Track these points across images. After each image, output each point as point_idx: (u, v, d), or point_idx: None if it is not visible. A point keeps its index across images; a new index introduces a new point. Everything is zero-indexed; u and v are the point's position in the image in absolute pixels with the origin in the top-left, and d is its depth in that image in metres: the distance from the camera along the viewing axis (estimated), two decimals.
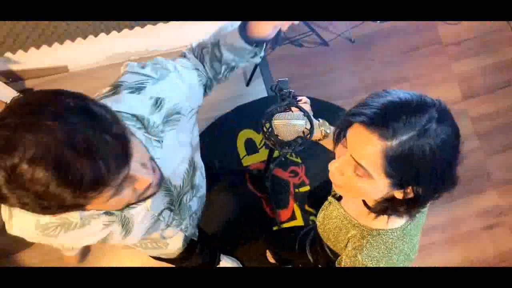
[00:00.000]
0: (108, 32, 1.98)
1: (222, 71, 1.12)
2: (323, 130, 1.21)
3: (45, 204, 0.65)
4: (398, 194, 0.86)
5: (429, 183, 0.82)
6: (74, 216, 0.88)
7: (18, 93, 2.40)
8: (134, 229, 1.03)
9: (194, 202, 1.25)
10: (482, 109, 2.66)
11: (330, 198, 1.22)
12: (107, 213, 0.92)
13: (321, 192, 1.66)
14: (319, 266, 1.41)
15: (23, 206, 0.65)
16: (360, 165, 0.84)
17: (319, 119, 1.23)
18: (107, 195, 0.69)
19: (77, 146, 0.62)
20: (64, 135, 0.61)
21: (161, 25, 2.08)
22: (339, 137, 0.92)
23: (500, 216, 2.49)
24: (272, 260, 2.26)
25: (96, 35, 1.97)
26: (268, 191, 2.30)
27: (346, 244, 1.09)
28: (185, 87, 1.02)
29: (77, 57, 2.36)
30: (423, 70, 2.69)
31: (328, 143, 1.24)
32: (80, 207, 0.70)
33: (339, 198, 1.19)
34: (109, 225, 0.96)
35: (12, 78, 2.36)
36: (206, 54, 1.11)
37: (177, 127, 0.99)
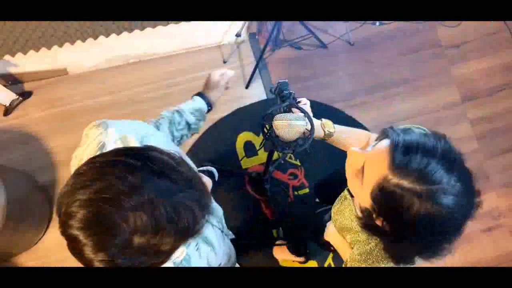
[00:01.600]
0: (107, 35, 1.99)
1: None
2: (325, 129, 1.20)
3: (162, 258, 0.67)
4: (377, 221, 0.84)
5: (398, 235, 0.80)
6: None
7: (18, 96, 2.40)
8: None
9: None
10: (481, 111, 2.67)
11: (346, 192, 1.19)
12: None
13: (330, 185, 1.65)
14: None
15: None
16: (362, 170, 0.84)
17: (322, 118, 1.23)
18: None
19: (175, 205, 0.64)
20: (147, 194, 0.62)
21: (160, 28, 2.08)
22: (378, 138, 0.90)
23: (499, 218, 2.49)
24: (278, 256, 2.25)
25: (95, 38, 1.98)
26: (267, 193, 2.30)
27: (353, 246, 1.08)
28: (126, 120, 1.05)
29: (77, 59, 2.36)
30: (422, 73, 2.70)
31: (334, 142, 1.24)
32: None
33: (352, 195, 1.16)
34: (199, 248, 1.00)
35: (11, 81, 2.36)
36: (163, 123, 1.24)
37: (153, 140, 1.00)
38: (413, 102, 2.64)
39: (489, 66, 2.74)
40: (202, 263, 1.01)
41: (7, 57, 1.97)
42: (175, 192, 0.64)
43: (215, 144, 2.44)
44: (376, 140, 0.89)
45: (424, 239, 0.77)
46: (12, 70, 2.29)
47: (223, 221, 1.34)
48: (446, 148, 0.77)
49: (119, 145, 0.91)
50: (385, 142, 0.81)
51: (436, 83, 2.69)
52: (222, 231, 1.27)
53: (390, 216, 0.79)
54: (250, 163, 2.44)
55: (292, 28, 2.63)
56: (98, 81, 2.48)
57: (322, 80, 2.64)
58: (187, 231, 0.66)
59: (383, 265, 0.94)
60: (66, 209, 0.61)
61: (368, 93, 2.63)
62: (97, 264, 0.61)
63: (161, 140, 1.06)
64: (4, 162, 2.24)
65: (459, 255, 2.37)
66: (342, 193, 1.23)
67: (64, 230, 0.61)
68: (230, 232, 1.42)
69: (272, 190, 2.32)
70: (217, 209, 1.31)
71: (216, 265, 1.13)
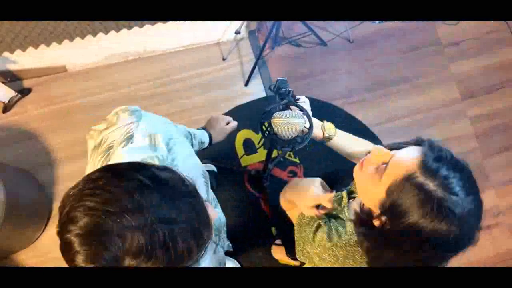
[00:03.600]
0: (106, 32, 1.98)
1: None
2: (325, 132, 1.20)
3: None
4: (376, 221, 0.86)
5: (392, 240, 0.82)
6: None
7: (16, 93, 2.39)
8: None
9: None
10: (481, 109, 2.67)
11: (344, 193, 1.20)
12: None
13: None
14: None
15: None
16: (385, 166, 0.85)
17: (325, 121, 1.22)
18: None
19: (171, 227, 0.62)
20: (150, 218, 0.61)
21: (159, 25, 2.08)
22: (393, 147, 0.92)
23: (499, 216, 2.50)
24: (277, 256, 2.25)
25: (94, 35, 1.97)
26: (267, 191, 2.30)
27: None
28: (159, 116, 1.05)
29: (76, 57, 2.36)
30: (421, 71, 2.70)
31: (334, 146, 1.23)
32: None
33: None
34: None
35: (10, 78, 2.35)
36: None
37: (178, 145, 1.00)
38: (413, 100, 2.64)
39: (489, 64, 2.74)
40: None
41: (6, 54, 1.96)
42: (178, 222, 0.63)
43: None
44: (403, 144, 0.91)
45: (417, 253, 0.79)
46: (11, 67, 2.28)
47: (223, 232, 1.31)
48: (471, 172, 0.83)
49: (147, 142, 0.91)
50: (417, 148, 0.84)
51: (436, 80, 2.69)
52: (217, 244, 1.23)
53: (396, 215, 0.80)
54: (250, 161, 2.44)
55: (292, 26, 2.63)
56: (97, 78, 2.47)
57: (322, 78, 2.64)
58: (179, 263, 0.65)
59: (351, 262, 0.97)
60: (69, 212, 0.60)
61: (367, 91, 2.63)
62: None
63: (186, 148, 1.05)
64: (3, 160, 2.23)
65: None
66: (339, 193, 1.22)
67: (62, 232, 0.60)
68: (229, 244, 1.38)
69: (271, 188, 2.32)
70: (219, 219, 1.28)
71: None
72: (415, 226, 0.76)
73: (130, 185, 0.62)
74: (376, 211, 0.86)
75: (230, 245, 1.40)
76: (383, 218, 0.83)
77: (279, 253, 2.26)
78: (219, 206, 1.31)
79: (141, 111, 0.99)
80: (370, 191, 0.89)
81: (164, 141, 0.94)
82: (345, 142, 1.23)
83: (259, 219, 2.35)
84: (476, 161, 2.55)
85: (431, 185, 0.75)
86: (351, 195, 1.18)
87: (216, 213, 0.79)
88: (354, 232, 0.98)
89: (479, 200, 0.80)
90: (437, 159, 0.79)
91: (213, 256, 1.19)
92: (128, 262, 0.60)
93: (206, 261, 1.10)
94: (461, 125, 2.63)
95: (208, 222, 0.71)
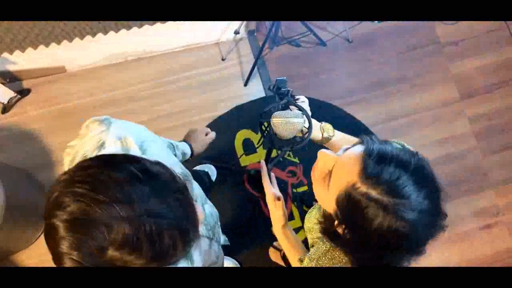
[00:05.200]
0: (105, 33, 1.98)
1: None
2: (324, 132, 1.19)
3: None
4: (339, 228, 0.82)
5: (358, 245, 0.79)
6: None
7: (16, 94, 2.39)
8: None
9: (207, 209, 1.28)
10: (480, 109, 2.67)
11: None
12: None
13: None
14: None
15: None
16: (330, 174, 0.82)
17: (323, 122, 1.22)
18: None
19: (157, 219, 0.62)
20: (139, 211, 0.60)
21: (158, 25, 2.08)
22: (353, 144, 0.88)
23: (498, 215, 2.50)
24: (274, 259, 2.25)
25: (93, 35, 1.97)
26: None
27: (312, 244, 1.10)
28: (130, 122, 1.04)
29: (75, 57, 2.36)
30: (421, 70, 2.70)
31: (332, 147, 1.23)
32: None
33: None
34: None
35: (9, 78, 2.36)
36: None
37: (154, 148, 0.98)
38: (412, 100, 2.64)
39: (488, 63, 2.75)
40: None
41: (5, 54, 1.96)
42: (166, 218, 0.63)
43: (214, 142, 2.42)
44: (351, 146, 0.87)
45: (383, 252, 0.76)
46: (10, 67, 2.28)
47: (217, 226, 1.30)
48: (419, 164, 0.75)
49: (118, 145, 0.89)
50: (359, 148, 0.79)
51: (435, 80, 2.69)
52: (211, 239, 1.23)
53: (352, 225, 0.78)
54: (249, 161, 2.44)
55: (291, 26, 2.63)
56: (96, 78, 2.47)
57: (321, 78, 2.64)
58: (162, 259, 0.65)
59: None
60: (58, 197, 0.60)
61: (366, 91, 2.63)
62: (66, 261, 0.60)
63: (161, 149, 1.03)
64: (3, 160, 2.23)
65: (458, 252, 2.39)
66: (315, 205, 1.24)
67: (49, 217, 0.60)
68: (225, 238, 1.38)
69: None
70: (211, 215, 1.28)
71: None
72: (371, 233, 0.73)
73: (121, 175, 0.62)
74: (335, 217, 0.83)
75: (226, 239, 1.40)
76: (343, 226, 0.81)
77: (274, 256, 2.26)
78: (209, 201, 1.30)
79: (110, 119, 0.97)
80: (324, 199, 0.87)
81: (137, 143, 0.92)
82: (342, 142, 1.21)
83: (259, 219, 2.35)
84: (476, 161, 2.55)
85: (374, 193, 0.71)
86: None
87: (202, 214, 0.79)
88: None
89: (435, 189, 0.75)
90: (379, 161, 0.73)
91: (207, 251, 1.19)
92: (112, 252, 0.59)
93: (199, 256, 1.10)
94: (460, 124, 2.63)
95: (195, 220, 0.71)
